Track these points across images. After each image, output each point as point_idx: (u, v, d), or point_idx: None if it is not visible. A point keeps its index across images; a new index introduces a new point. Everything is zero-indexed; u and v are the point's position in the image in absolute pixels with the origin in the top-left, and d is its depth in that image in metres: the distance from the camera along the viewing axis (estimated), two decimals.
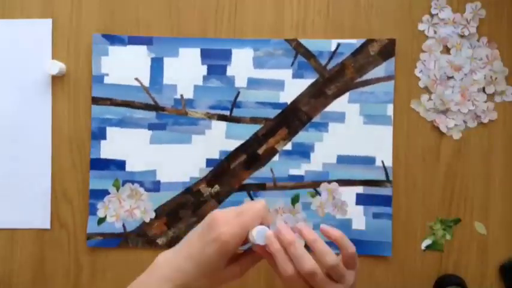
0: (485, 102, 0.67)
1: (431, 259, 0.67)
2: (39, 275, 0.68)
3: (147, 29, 0.68)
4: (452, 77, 0.67)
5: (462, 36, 0.67)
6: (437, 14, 0.67)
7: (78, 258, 0.68)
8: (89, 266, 0.68)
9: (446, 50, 0.67)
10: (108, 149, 0.68)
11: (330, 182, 0.67)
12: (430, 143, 0.67)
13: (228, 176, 0.68)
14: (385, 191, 0.67)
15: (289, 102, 0.67)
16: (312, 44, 0.67)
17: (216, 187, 0.68)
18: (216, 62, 0.67)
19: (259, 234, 0.48)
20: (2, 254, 0.68)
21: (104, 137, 0.68)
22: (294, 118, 0.68)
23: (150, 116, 0.68)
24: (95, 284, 0.68)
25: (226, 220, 0.48)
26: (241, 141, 0.68)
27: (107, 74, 0.68)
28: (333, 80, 0.67)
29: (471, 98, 0.67)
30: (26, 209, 0.68)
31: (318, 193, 0.67)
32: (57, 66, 0.66)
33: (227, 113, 0.68)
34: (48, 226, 0.68)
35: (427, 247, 0.63)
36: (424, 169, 0.67)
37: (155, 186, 0.68)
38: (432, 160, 0.67)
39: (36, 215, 0.68)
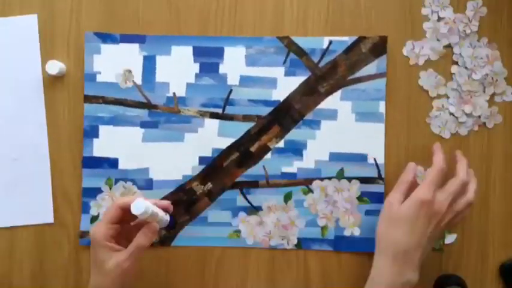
0: (487, 101, 0.67)
1: (431, 259, 0.67)
2: (38, 274, 0.68)
3: (146, 30, 0.68)
4: (451, 77, 0.67)
5: (463, 35, 0.67)
6: (437, 12, 0.67)
7: (78, 257, 0.68)
8: (88, 265, 0.68)
9: (447, 50, 0.67)
10: (100, 147, 0.67)
11: (322, 179, 0.67)
12: (430, 142, 0.67)
13: (220, 174, 0.68)
14: (378, 187, 0.67)
15: (281, 100, 0.68)
16: (304, 41, 0.67)
17: (209, 185, 0.68)
18: (208, 59, 0.67)
19: (137, 206, 0.55)
20: (1, 254, 0.68)
21: (97, 135, 0.67)
22: (286, 116, 0.68)
23: (143, 114, 0.68)
24: None
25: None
26: (234, 139, 0.68)
27: (99, 72, 0.67)
28: (325, 78, 0.67)
29: (471, 98, 0.67)
30: (27, 208, 0.68)
31: (310, 190, 0.68)
32: (57, 67, 0.66)
33: (220, 110, 0.68)
34: (51, 220, 0.68)
35: None
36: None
37: (148, 184, 0.68)
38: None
39: (38, 213, 0.68)
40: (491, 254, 0.67)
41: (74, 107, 0.68)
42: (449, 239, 0.67)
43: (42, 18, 0.68)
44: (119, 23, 0.68)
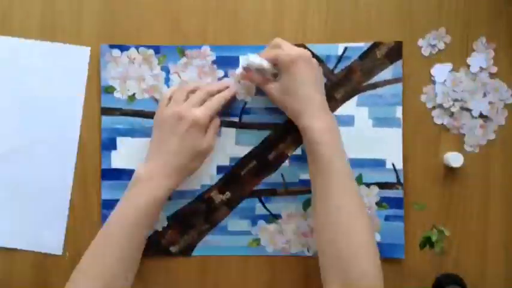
0: (488, 103, 0.67)
1: (431, 259, 0.67)
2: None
3: (146, 37, 0.68)
4: (452, 78, 0.67)
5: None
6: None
7: None
8: None
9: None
10: (118, 159, 0.68)
11: None
12: (433, 143, 0.67)
13: (239, 183, 0.68)
14: (396, 193, 0.67)
15: None
16: (319, 48, 0.67)
17: (228, 194, 0.68)
18: (224, 69, 0.68)
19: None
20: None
21: (114, 147, 0.68)
22: None
23: None
24: None
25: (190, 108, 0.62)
26: (251, 148, 0.68)
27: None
28: (340, 84, 0.67)
29: (471, 99, 0.67)
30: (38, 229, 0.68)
31: None
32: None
33: (236, 119, 0.68)
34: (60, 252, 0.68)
35: (426, 246, 0.63)
36: (427, 170, 0.67)
37: None
38: (433, 160, 0.67)
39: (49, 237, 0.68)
40: (491, 254, 0.67)
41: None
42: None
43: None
44: (119, 31, 0.68)
